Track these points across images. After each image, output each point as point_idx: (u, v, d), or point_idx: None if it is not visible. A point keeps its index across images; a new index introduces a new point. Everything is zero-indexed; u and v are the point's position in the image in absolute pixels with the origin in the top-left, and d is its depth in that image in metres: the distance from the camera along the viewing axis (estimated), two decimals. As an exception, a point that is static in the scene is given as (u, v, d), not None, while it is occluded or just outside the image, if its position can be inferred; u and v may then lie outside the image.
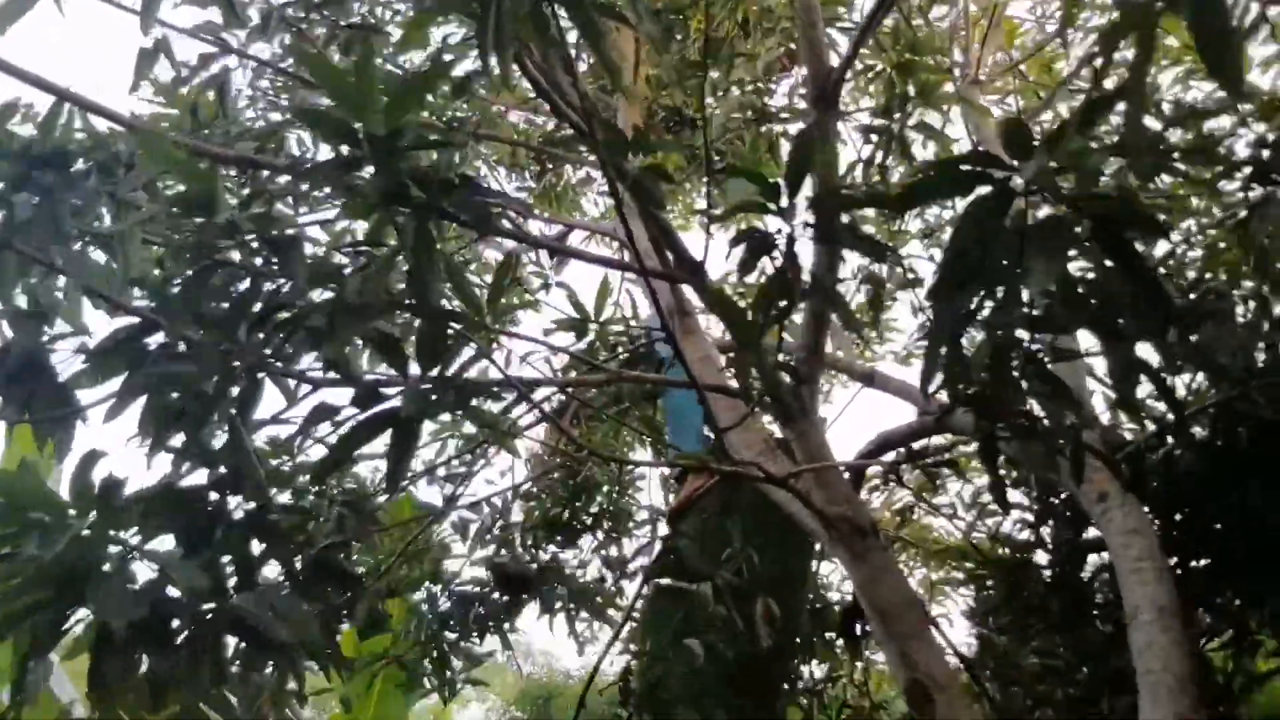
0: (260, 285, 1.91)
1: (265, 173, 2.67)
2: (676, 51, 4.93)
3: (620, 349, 4.45)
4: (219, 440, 2.27)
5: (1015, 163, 1.55)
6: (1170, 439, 3.81)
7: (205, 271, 1.90)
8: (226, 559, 2.05)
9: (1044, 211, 1.63)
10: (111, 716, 1.94)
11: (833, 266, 3.12)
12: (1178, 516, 3.92)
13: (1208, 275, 3.59)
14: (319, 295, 1.97)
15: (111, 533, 2.00)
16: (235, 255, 1.95)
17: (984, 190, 1.64)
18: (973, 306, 1.79)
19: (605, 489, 5.34)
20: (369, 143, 1.79)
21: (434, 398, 2.00)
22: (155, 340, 2.31)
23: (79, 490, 2.12)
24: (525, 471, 5.22)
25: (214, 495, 2.19)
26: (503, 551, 4.58)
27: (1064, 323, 1.95)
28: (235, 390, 2.04)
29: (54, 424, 2.43)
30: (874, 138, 3.98)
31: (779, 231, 2.03)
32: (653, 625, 4.74)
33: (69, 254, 2.14)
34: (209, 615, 1.83)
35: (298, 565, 2.16)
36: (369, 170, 1.86)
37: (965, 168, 1.65)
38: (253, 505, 2.22)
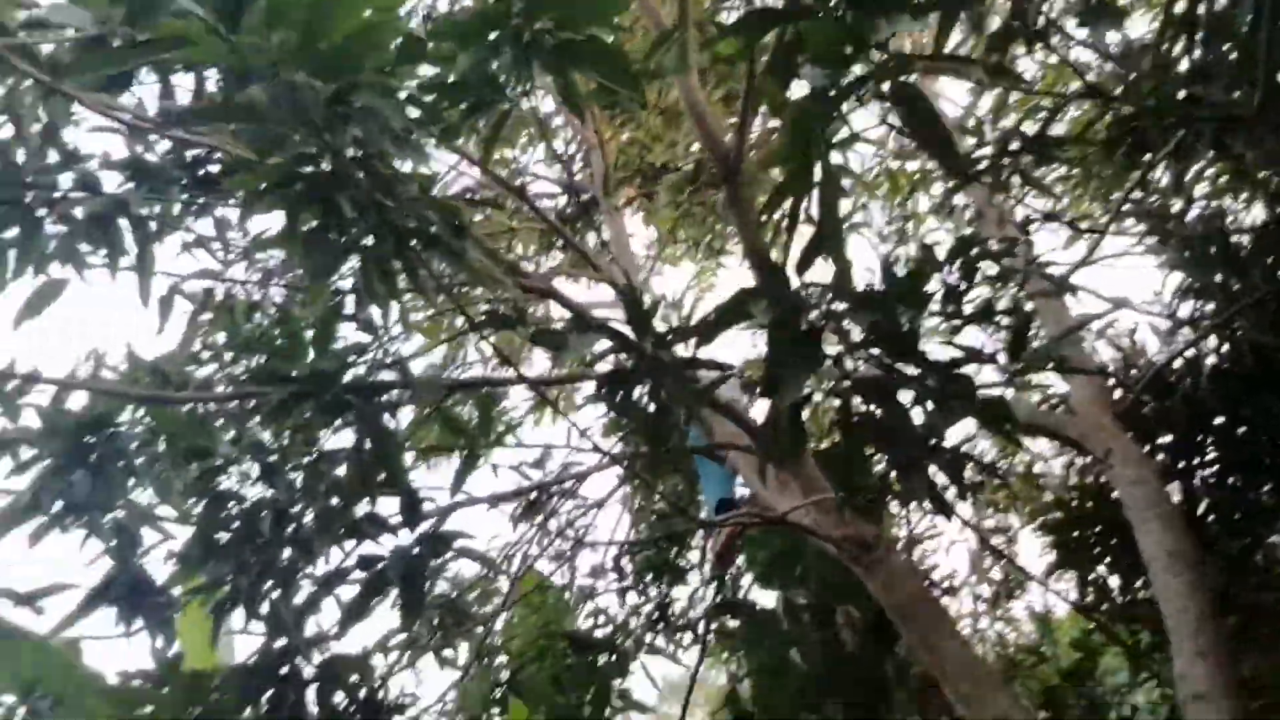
0: (258, 507, 2.43)
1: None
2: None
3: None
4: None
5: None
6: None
7: (211, 505, 2.43)
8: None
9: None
10: None
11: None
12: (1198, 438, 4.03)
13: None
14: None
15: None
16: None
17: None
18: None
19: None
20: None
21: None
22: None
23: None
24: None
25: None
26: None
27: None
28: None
29: (162, 624, 3.05)
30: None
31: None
32: (751, 645, 5.10)
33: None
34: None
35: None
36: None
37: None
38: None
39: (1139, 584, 4.57)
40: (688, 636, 5.68)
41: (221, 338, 3.78)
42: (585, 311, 2.86)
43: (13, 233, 2.96)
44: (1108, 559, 4.67)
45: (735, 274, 7.43)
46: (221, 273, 3.49)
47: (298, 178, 1.92)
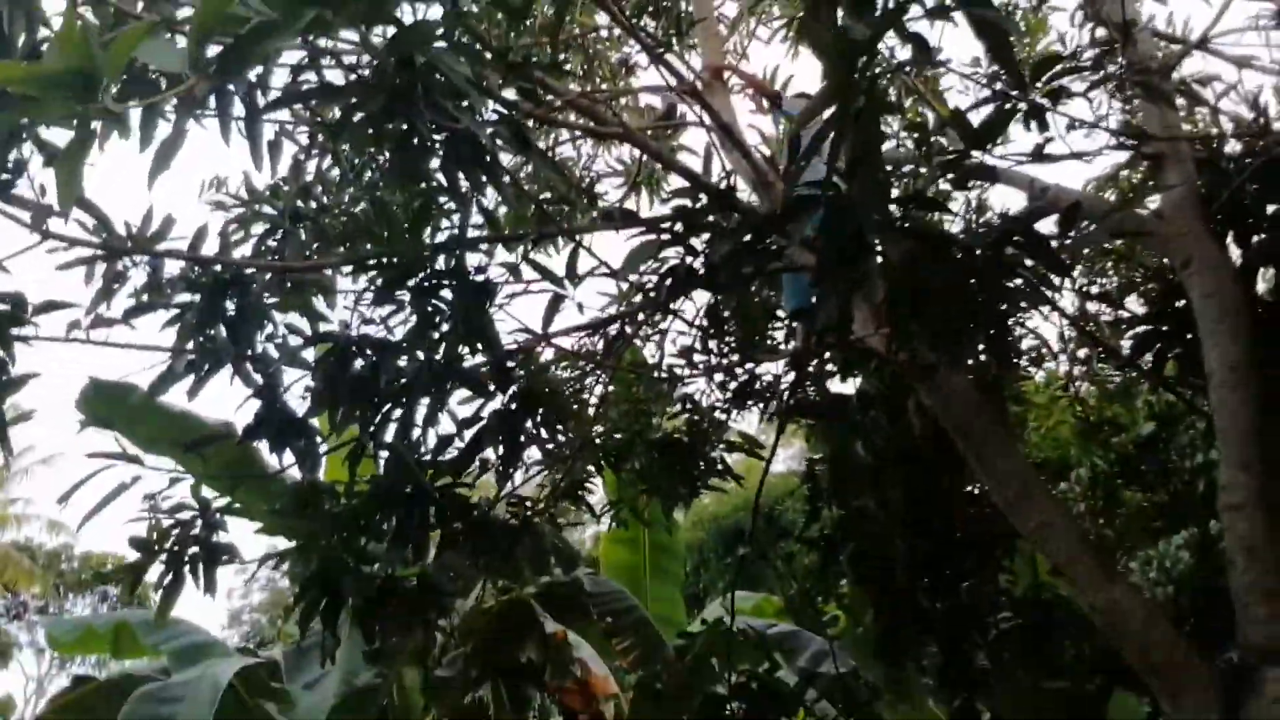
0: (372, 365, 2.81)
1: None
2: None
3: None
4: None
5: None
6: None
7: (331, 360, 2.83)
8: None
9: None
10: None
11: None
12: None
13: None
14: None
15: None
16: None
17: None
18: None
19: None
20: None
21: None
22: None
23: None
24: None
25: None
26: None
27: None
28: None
29: (305, 451, 3.58)
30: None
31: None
32: (825, 430, 5.50)
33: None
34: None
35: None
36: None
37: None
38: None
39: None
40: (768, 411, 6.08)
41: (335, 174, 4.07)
42: (689, 172, 2.98)
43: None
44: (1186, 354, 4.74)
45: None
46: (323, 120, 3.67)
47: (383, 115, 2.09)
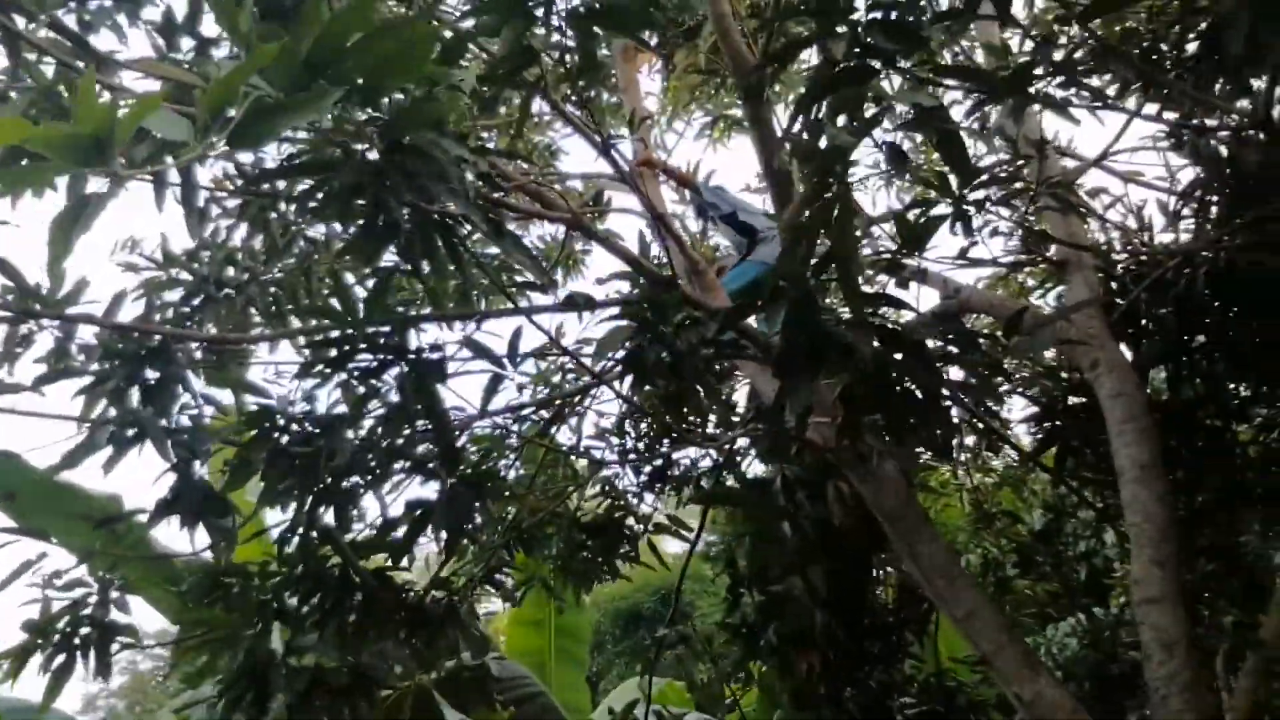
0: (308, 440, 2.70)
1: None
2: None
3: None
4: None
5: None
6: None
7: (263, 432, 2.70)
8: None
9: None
10: None
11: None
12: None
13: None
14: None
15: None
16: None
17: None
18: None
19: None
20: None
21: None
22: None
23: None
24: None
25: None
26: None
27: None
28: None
29: (222, 529, 3.39)
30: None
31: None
32: (748, 512, 5.54)
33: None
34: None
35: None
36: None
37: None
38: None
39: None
40: (685, 494, 6.12)
41: (258, 243, 3.94)
42: (635, 260, 3.02)
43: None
44: (1084, 449, 5.00)
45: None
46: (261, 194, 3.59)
47: (353, 191, 2.05)
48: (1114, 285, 4.74)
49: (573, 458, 5.87)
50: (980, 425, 6.29)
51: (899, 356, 2.19)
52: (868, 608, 5.46)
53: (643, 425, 6.24)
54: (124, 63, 2.73)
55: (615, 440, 6.17)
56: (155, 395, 3.20)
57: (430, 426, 2.72)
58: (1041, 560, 7.15)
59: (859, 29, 1.81)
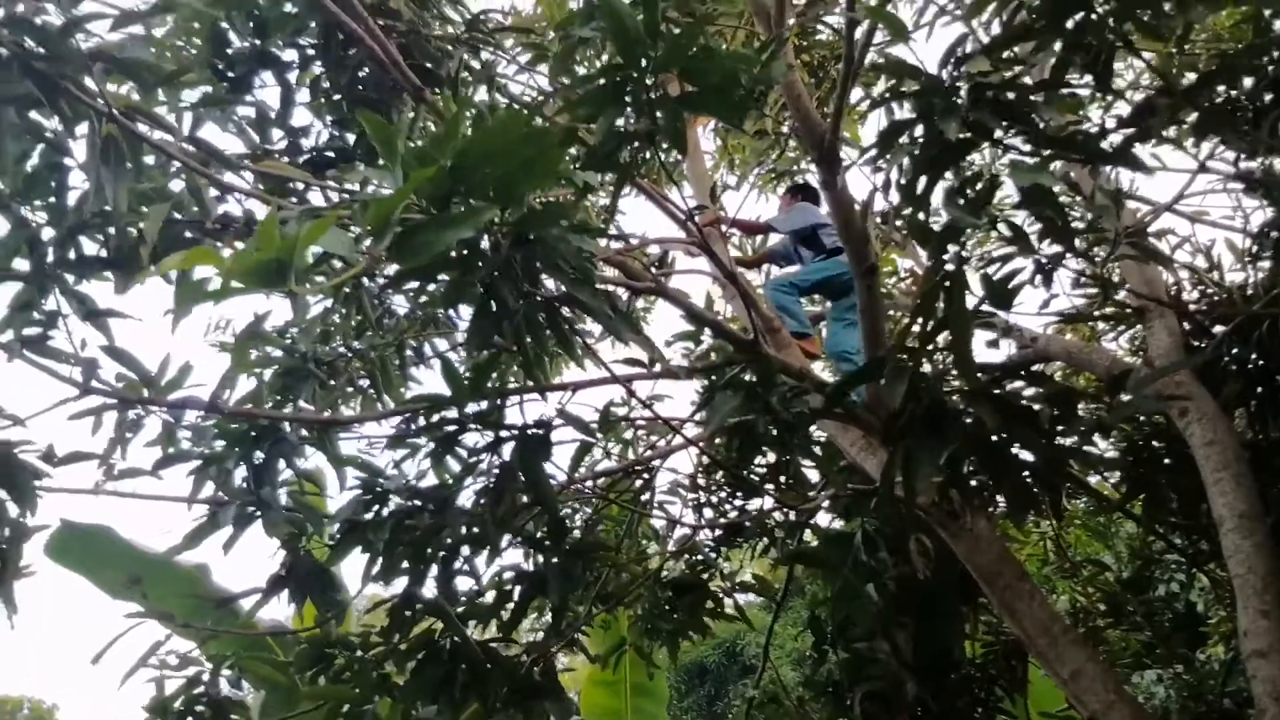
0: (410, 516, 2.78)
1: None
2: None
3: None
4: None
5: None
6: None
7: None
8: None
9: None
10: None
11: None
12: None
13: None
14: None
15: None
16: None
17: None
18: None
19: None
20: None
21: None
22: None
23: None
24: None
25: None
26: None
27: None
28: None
29: (332, 602, 3.48)
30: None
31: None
32: (829, 570, 5.49)
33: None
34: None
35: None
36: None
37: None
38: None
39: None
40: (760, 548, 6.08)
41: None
42: (719, 325, 3.09)
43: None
44: (1173, 496, 4.90)
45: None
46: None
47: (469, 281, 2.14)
48: (1187, 327, 4.71)
49: (649, 516, 5.90)
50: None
51: (1010, 422, 2.21)
52: (957, 663, 5.35)
53: (717, 476, 6.26)
54: (246, 164, 2.88)
55: (689, 495, 6.20)
56: (263, 474, 3.31)
57: (534, 499, 2.79)
58: (1132, 610, 6.99)
59: (961, 105, 1.87)
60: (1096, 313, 4.20)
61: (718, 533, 6.11)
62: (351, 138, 4.01)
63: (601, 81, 2.49)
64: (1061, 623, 3.65)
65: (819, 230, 5.98)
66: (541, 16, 5.62)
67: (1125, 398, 2.48)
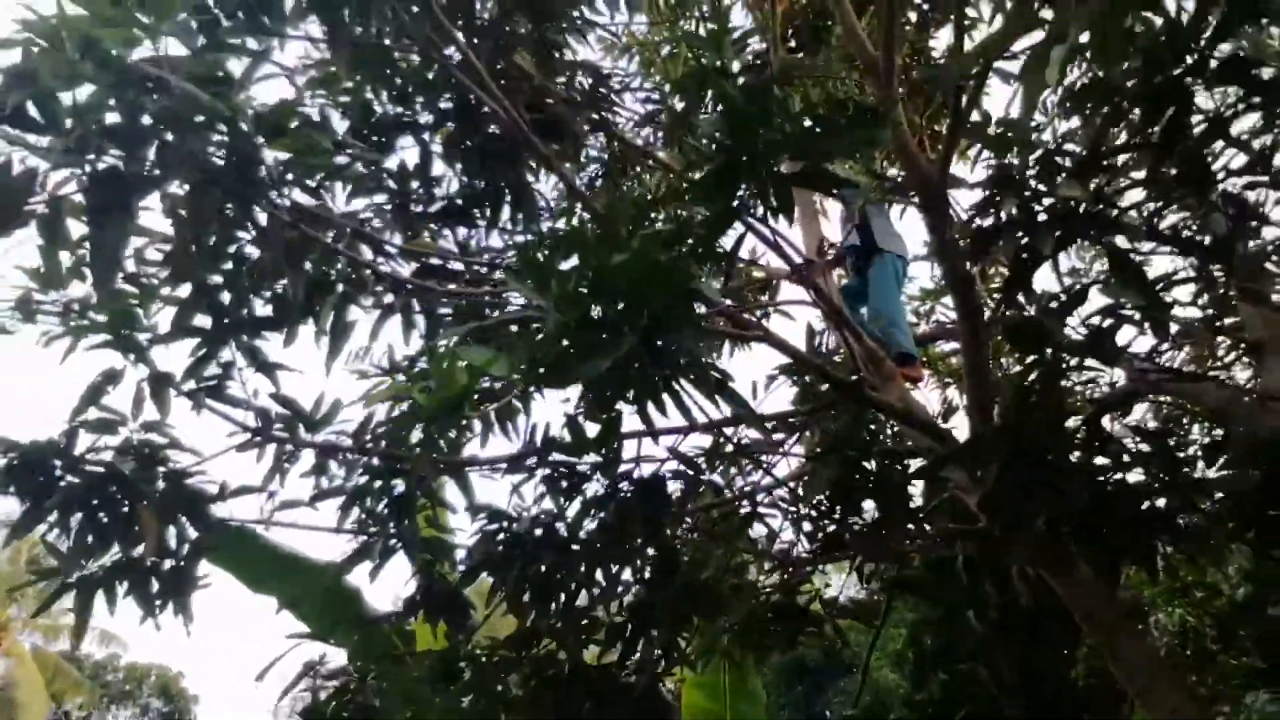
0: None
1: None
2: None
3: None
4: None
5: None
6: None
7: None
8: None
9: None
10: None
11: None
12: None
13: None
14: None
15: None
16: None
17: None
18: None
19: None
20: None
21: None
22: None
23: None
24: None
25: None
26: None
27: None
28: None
29: (462, 625, 3.80)
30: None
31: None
32: (929, 596, 5.57)
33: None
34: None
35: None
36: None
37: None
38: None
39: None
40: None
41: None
42: (823, 369, 3.26)
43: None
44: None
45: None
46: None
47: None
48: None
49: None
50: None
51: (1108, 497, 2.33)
52: (1061, 692, 5.37)
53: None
54: (401, 246, 3.19)
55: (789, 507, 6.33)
56: (403, 507, 3.64)
57: (649, 540, 3.03)
58: (1244, 634, 6.85)
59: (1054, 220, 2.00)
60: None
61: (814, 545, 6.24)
62: (481, 184, 4.32)
63: (712, 167, 2.68)
64: (1162, 664, 3.69)
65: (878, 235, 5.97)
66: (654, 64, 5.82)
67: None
